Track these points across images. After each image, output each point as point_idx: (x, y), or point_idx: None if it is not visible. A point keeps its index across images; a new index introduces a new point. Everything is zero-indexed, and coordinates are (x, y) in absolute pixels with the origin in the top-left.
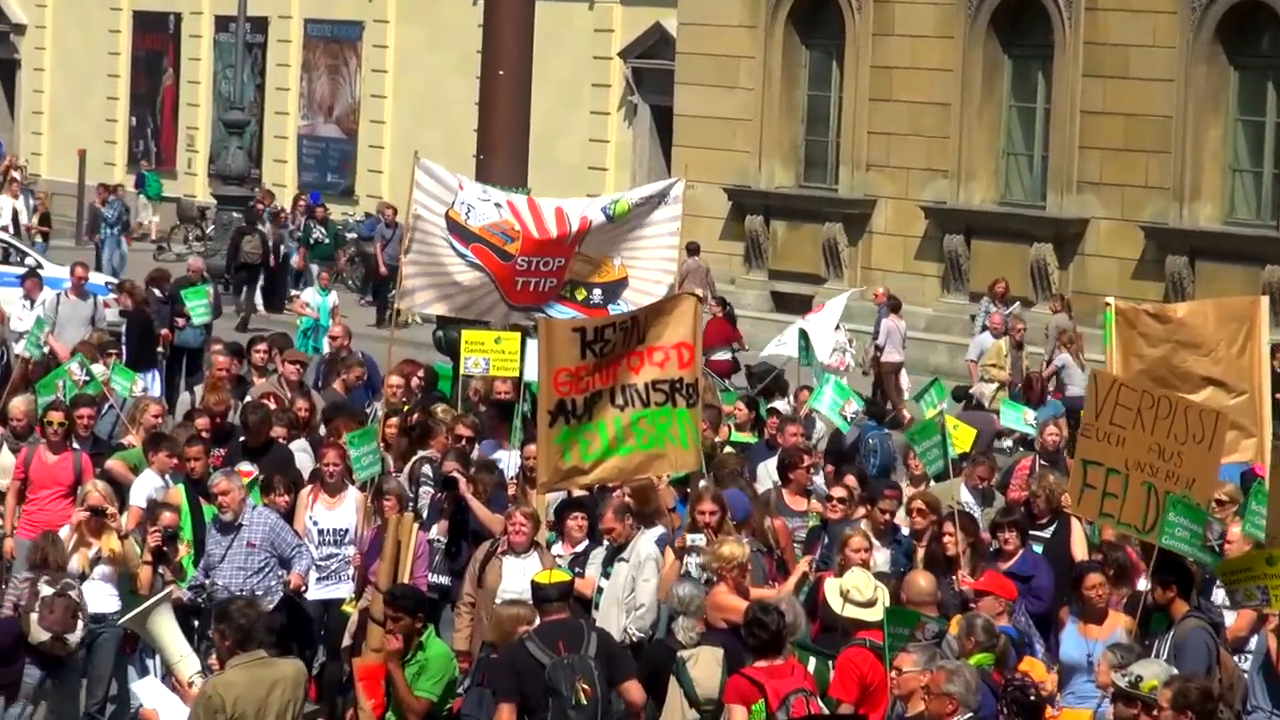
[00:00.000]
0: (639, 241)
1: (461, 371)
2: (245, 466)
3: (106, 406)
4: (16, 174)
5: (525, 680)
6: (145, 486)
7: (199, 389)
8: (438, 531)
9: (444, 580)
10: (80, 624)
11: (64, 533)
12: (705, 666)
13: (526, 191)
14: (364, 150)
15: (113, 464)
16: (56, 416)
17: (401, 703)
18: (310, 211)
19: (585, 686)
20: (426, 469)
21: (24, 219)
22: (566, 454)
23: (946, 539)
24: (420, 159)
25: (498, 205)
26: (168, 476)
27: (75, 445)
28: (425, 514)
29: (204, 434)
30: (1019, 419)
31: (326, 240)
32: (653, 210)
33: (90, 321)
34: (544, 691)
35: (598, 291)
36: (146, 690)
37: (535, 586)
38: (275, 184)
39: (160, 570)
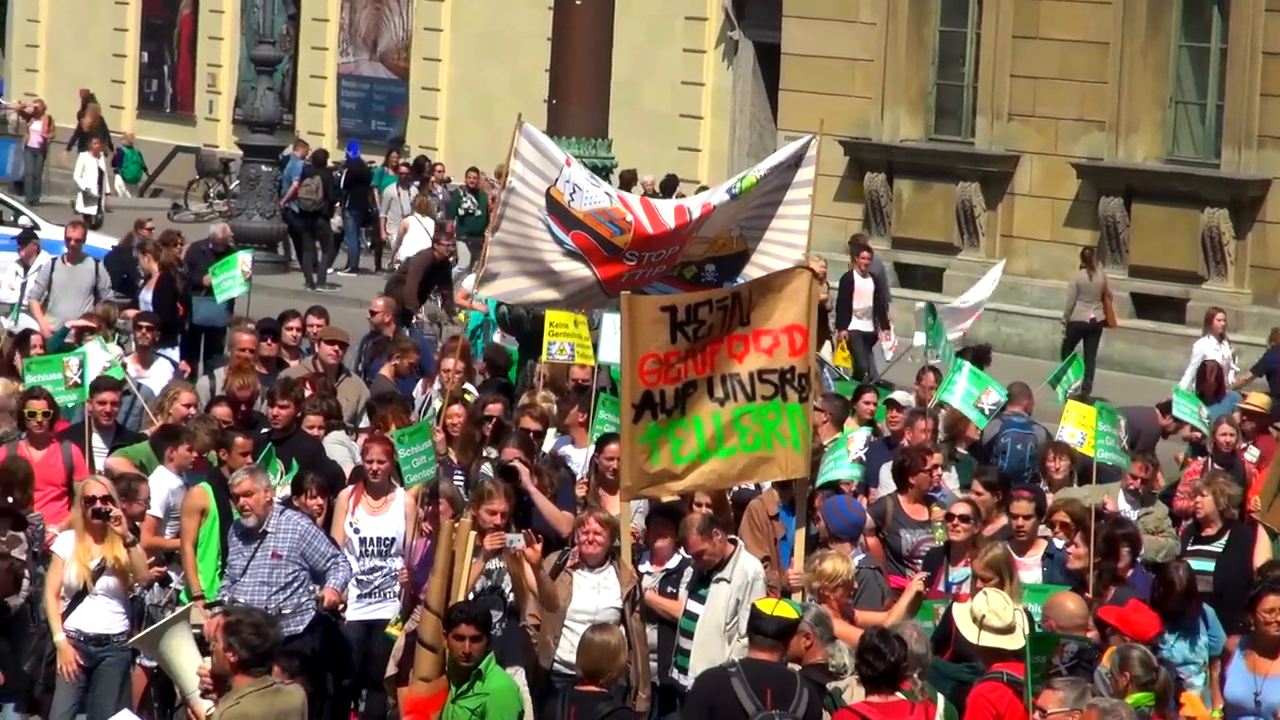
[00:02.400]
0: (766, 210)
1: (544, 358)
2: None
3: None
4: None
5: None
6: (161, 488)
7: (220, 372)
8: None
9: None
10: (25, 585)
11: (64, 540)
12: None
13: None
14: (416, 93)
15: (113, 461)
16: (39, 405)
17: None
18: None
19: None
20: (487, 468)
21: (108, 184)
22: (654, 455)
23: (1070, 551)
24: (523, 124)
25: (608, 194)
26: (185, 475)
27: (97, 438)
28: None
29: (224, 424)
30: (1192, 412)
31: (479, 212)
32: (782, 173)
33: (92, 291)
34: None
35: (710, 268)
36: None
37: (755, 615)
38: (311, 131)
39: (172, 581)
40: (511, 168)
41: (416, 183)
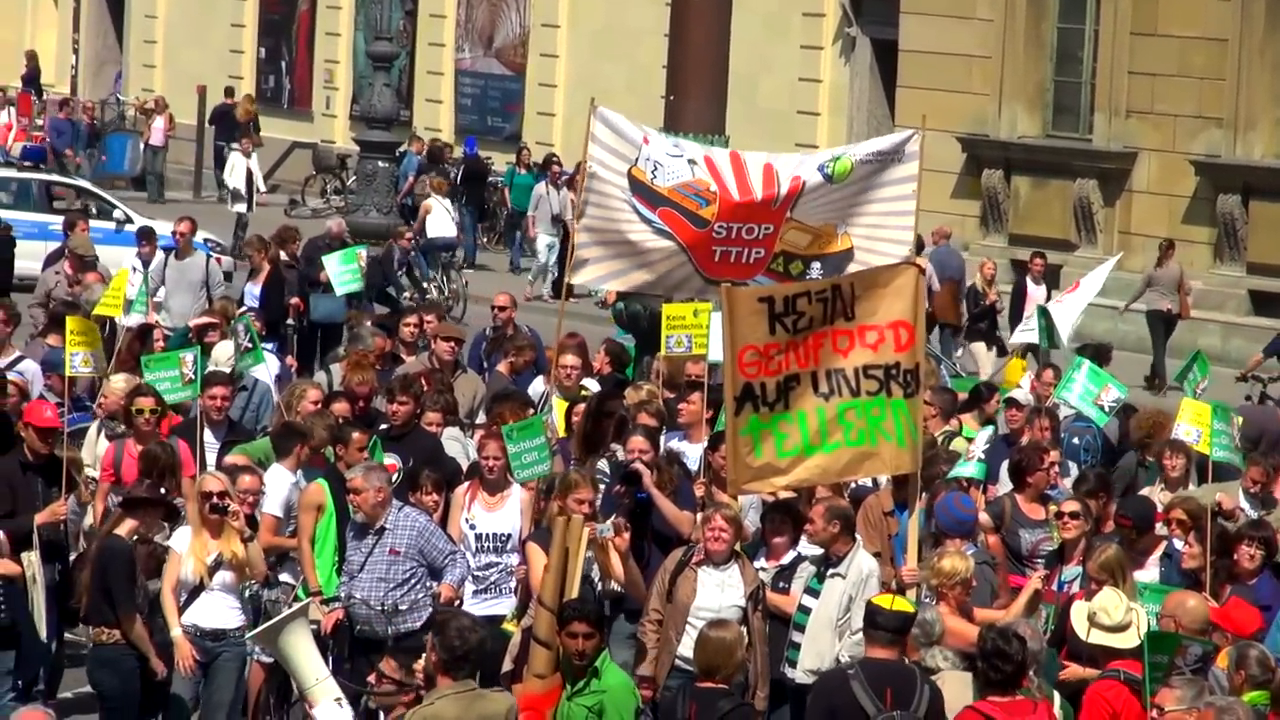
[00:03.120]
0: (868, 206)
1: (663, 352)
2: (391, 459)
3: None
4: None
5: None
6: (279, 485)
7: (336, 368)
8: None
9: (618, 586)
10: None
11: (180, 535)
12: (953, 690)
13: (725, 142)
14: (533, 89)
15: (233, 459)
16: (146, 403)
17: None
18: None
19: None
20: (603, 464)
21: (258, 180)
22: (757, 449)
23: (1184, 551)
24: (597, 107)
25: (692, 161)
26: (301, 472)
27: (209, 433)
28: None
29: (342, 419)
30: None
31: None
32: (884, 169)
33: (203, 286)
34: None
35: (817, 265)
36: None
37: (872, 611)
38: (428, 127)
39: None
40: (590, 153)
41: (547, 178)
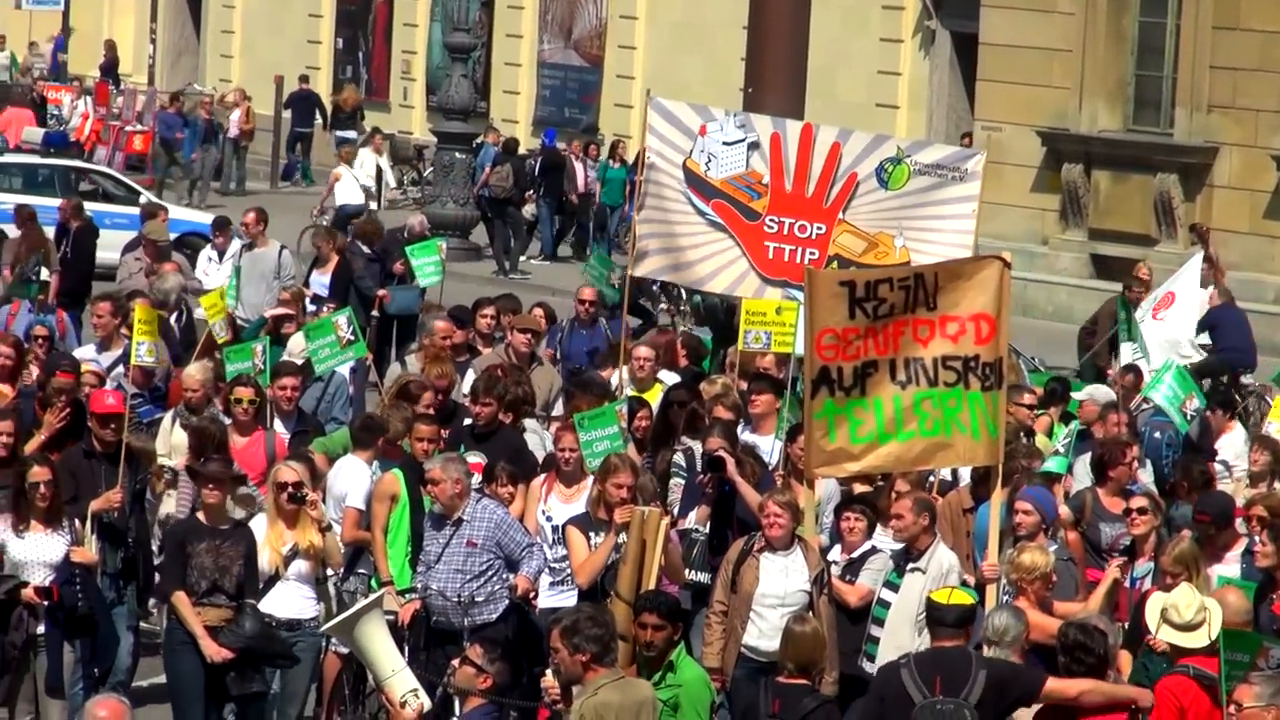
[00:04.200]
0: (927, 222)
1: (740, 346)
2: (474, 458)
3: (315, 379)
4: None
5: (890, 711)
6: (355, 477)
7: (411, 359)
8: (696, 519)
9: (703, 577)
10: None
11: (256, 525)
12: None
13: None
14: (610, 81)
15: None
16: (245, 393)
17: None
18: None
19: None
20: (679, 457)
21: (388, 178)
22: (831, 433)
23: (1256, 549)
24: (654, 98)
25: (753, 145)
26: (376, 464)
27: (277, 424)
28: (676, 508)
29: (425, 407)
30: None
31: None
32: (943, 186)
33: (275, 276)
34: None
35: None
36: None
37: (932, 606)
38: (505, 118)
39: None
40: (648, 144)
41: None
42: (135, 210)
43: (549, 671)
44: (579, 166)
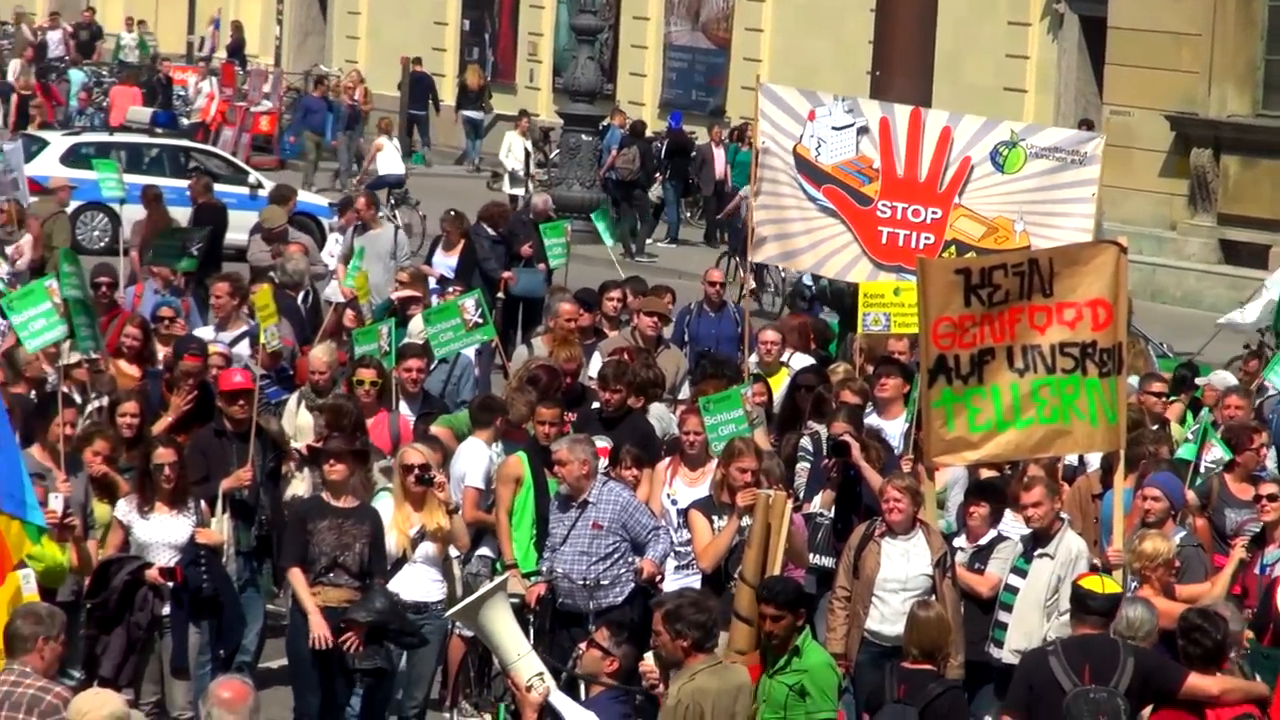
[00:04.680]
0: (1047, 206)
1: (860, 331)
2: (602, 442)
3: (437, 361)
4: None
5: (1038, 699)
6: (474, 457)
7: (538, 342)
8: (821, 504)
9: (827, 561)
10: None
11: (382, 507)
12: None
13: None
14: (737, 64)
15: (438, 430)
16: (368, 374)
17: None
18: None
19: None
20: (806, 441)
21: (534, 163)
22: (950, 422)
23: None
24: (763, 84)
25: (862, 130)
26: (497, 445)
27: (402, 406)
28: (802, 492)
29: (552, 391)
30: None
31: None
32: (1062, 169)
33: (392, 256)
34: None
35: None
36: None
37: (1082, 594)
38: (631, 101)
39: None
40: (760, 130)
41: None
42: (243, 189)
43: (648, 655)
44: (719, 153)
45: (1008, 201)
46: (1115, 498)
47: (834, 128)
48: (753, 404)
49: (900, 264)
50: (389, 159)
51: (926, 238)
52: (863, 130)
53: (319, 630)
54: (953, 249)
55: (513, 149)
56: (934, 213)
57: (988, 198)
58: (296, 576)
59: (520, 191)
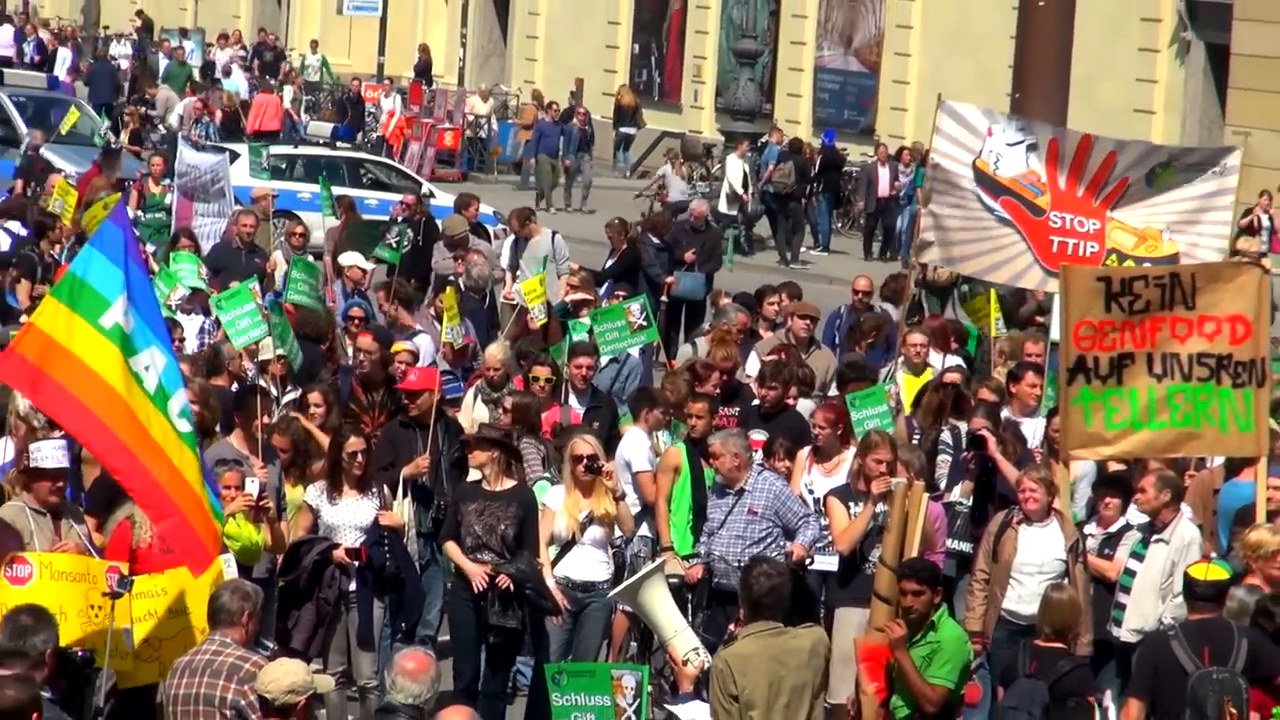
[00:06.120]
0: (1189, 214)
1: (993, 333)
2: (758, 435)
3: (608, 360)
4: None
5: (1163, 681)
6: (635, 445)
7: (701, 341)
8: (960, 493)
9: (965, 547)
10: None
11: (554, 494)
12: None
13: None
14: (886, 86)
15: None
16: (542, 371)
17: (914, 691)
18: None
19: (1233, 710)
20: (946, 435)
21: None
22: (1088, 419)
23: None
24: (945, 102)
25: (1031, 147)
26: (656, 435)
27: (572, 400)
28: (944, 482)
29: (710, 388)
30: None
31: None
32: (1205, 180)
33: (550, 260)
34: (1183, 700)
35: (1147, 264)
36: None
37: (1189, 581)
38: (788, 120)
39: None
40: (934, 145)
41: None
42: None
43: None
44: (883, 172)
45: (1155, 213)
46: (1258, 493)
47: (1009, 144)
48: (895, 400)
49: None
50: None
51: (1092, 246)
52: (1031, 148)
53: (470, 570)
54: (1114, 257)
55: (732, 171)
56: (1095, 224)
57: (1138, 211)
58: (451, 548)
59: (735, 212)
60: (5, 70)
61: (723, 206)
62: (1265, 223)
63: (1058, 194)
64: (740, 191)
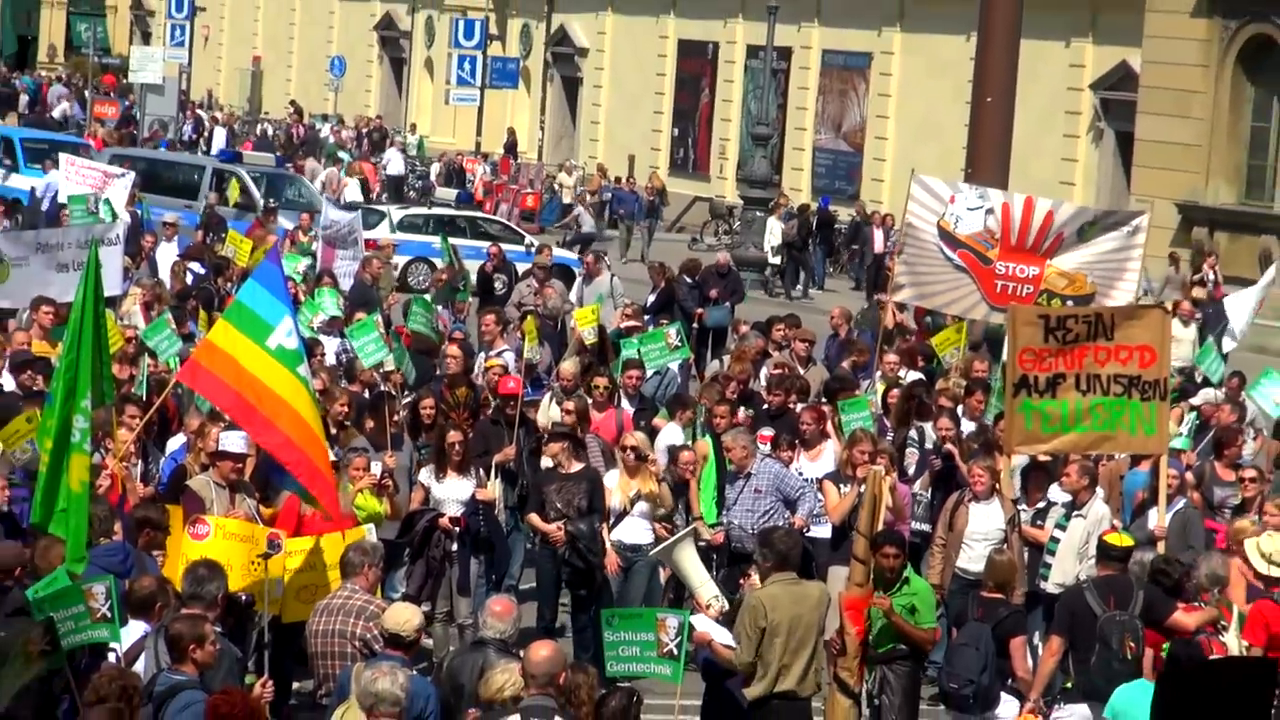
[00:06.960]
0: (1107, 263)
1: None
2: (766, 431)
3: (652, 373)
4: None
5: (1078, 622)
6: (671, 438)
7: (727, 358)
8: (920, 485)
9: (925, 527)
10: None
11: (611, 475)
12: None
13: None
14: (868, 162)
15: (658, 421)
16: (601, 381)
17: (913, 638)
18: None
19: (1132, 644)
20: (913, 434)
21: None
22: (1028, 423)
23: None
24: (917, 175)
25: (989, 211)
26: (687, 430)
27: (624, 403)
28: (911, 470)
29: (730, 395)
30: None
31: None
32: (1119, 236)
33: (610, 296)
34: (1093, 637)
35: (1070, 303)
36: (699, 622)
37: (1105, 545)
38: (792, 188)
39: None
40: (908, 208)
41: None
42: (518, 247)
43: (752, 570)
44: (878, 233)
45: (1082, 261)
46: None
47: (968, 208)
48: (877, 406)
49: (1007, 306)
50: (586, 221)
51: (1027, 289)
52: (989, 211)
53: (547, 530)
54: (1044, 295)
55: (771, 230)
56: (1034, 270)
57: (1070, 259)
58: (533, 518)
59: (778, 260)
60: (243, 152)
61: (771, 258)
62: (1211, 277)
63: (1007, 247)
64: (777, 243)
